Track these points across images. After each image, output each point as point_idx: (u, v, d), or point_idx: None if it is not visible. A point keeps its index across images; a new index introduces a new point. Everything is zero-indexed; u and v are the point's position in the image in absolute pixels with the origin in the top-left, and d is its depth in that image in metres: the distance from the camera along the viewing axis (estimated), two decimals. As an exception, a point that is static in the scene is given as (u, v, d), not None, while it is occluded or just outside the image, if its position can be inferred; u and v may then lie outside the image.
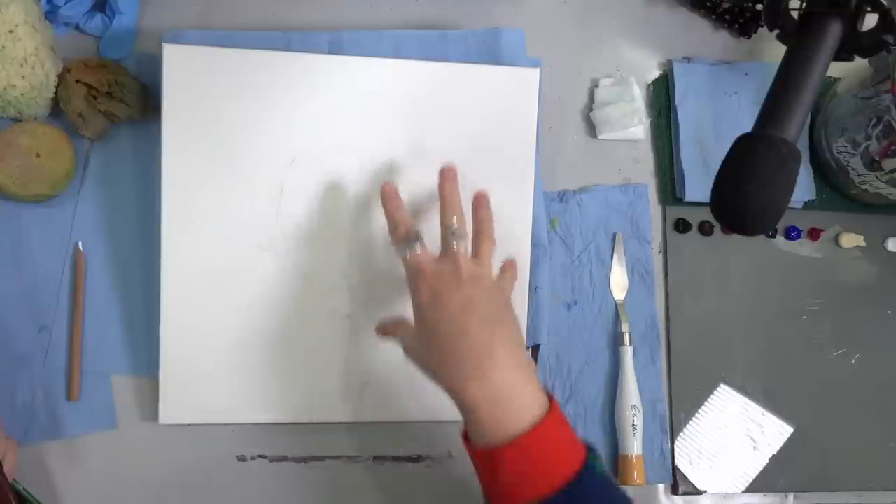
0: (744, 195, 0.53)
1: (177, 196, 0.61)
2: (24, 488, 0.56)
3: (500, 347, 0.52)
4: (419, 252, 0.55)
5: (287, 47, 0.66)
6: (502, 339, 0.52)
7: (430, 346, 0.54)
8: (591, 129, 0.74)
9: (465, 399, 0.51)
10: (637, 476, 0.67)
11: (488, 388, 0.51)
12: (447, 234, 0.56)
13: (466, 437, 0.53)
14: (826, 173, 0.77)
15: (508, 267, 0.62)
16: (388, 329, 0.61)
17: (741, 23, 0.77)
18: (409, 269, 0.55)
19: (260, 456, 0.65)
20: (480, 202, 0.60)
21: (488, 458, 0.50)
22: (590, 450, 0.52)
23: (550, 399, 0.52)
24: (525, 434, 0.49)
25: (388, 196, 0.59)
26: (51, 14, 0.65)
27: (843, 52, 0.60)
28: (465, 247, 0.56)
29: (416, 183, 0.64)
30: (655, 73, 0.77)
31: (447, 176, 0.59)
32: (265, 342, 0.63)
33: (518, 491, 0.49)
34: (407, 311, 0.65)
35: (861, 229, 0.77)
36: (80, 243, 0.64)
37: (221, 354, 0.63)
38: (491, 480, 0.51)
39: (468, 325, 0.52)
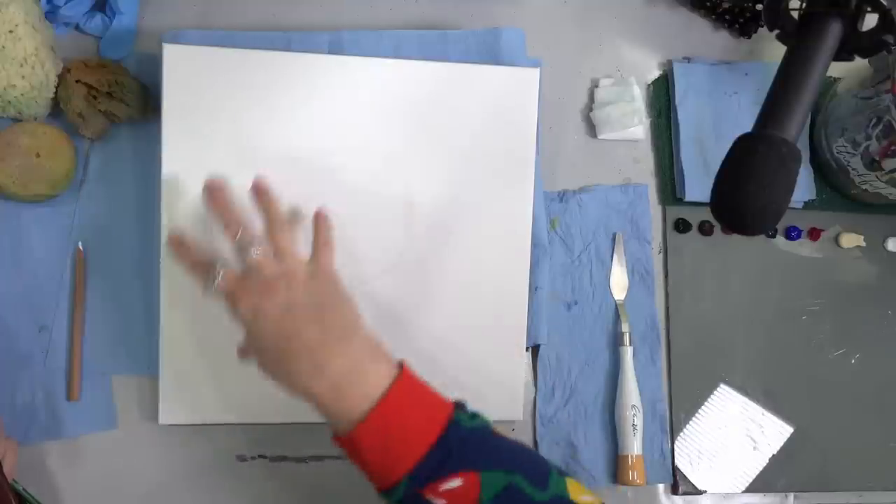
0: (744, 195, 0.53)
1: (177, 196, 0.61)
2: (23, 489, 0.56)
3: (330, 336, 0.51)
4: (220, 279, 0.53)
5: (287, 47, 0.66)
6: (332, 327, 0.51)
7: (266, 358, 0.53)
8: (591, 129, 0.74)
9: (312, 397, 0.50)
10: (637, 476, 0.67)
11: (328, 378, 0.50)
12: (237, 248, 0.54)
13: (334, 436, 0.52)
14: (826, 173, 0.77)
15: (318, 232, 0.57)
16: (240, 353, 0.57)
17: (741, 23, 0.77)
18: (224, 300, 0.53)
19: (260, 456, 0.65)
20: (255, 191, 0.56)
21: (348, 444, 0.50)
22: (458, 406, 0.51)
23: (401, 367, 0.52)
24: (372, 410, 0.49)
25: (174, 243, 0.55)
26: (51, 14, 0.65)
27: (843, 52, 0.60)
28: (259, 251, 0.53)
29: (417, 183, 0.64)
30: (655, 73, 0.77)
31: (212, 190, 0.55)
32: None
33: (387, 466, 0.48)
34: (406, 309, 0.66)
35: (861, 229, 0.77)
36: (80, 243, 0.64)
37: (221, 354, 0.63)
38: (361, 465, 0.50)
39: (293, 327, 0.51)
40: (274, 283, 0.52)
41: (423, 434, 0.49)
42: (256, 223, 0.55)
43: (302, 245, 0.56)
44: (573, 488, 0.50)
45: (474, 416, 0.52)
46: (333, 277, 0.55)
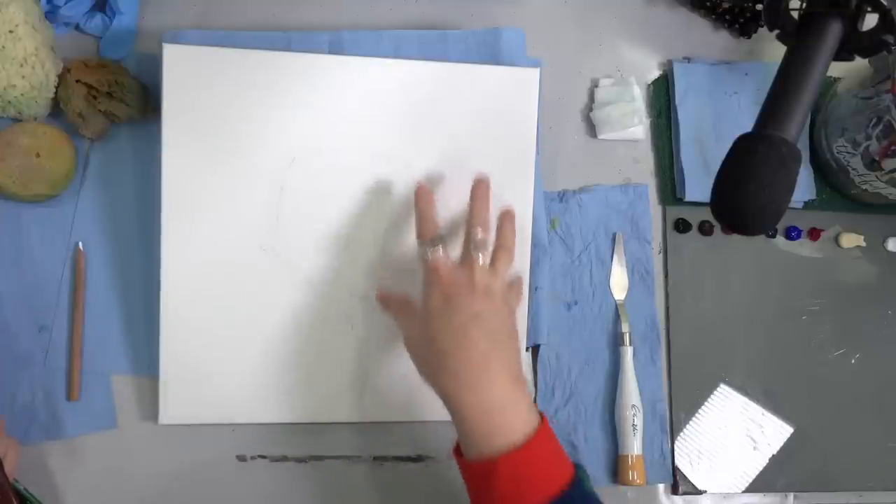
0: (744, 195, 0.53)
1: (177, 196, 0.61)
2: (24, 488, 0.56)
3: (497, 363, 0.53)
4: (440, 255, 0.56)
5: (287, 47, 0.66)
6: (501, 356, 0.53)
7: (431, 349, 0.54)
8: (591, 129, 0.74)
9: (458, 406, 0.52)
10: (637, 476, 0.67)
11: (481, 399, 0.51)
12: (470, 242, 0.57)
13: (458, 450, 0.54)
14: (826, 173, 0.77)
15: (516, 283, 0.63)
16: (391, 303, 0.61)
17: (741, 23, 0.77)
18: (426, 270, 0.56)
19: (260, 456, 0.65)
20: (507, 217, 0.61)
21: (480, 470, 0.51)
22: (578, 467, 0.53)
23: (541, 416, 0.53)
24: (517, 448, 0.50)
25: (421, 196, 0.60)
26: (51, 14, 0.65)
27: (843, 52, 0.60)
28: (484, 259, 0.57)
29: (415, 182, 0.64)
30: (655, 73, 0.77)
31: (480, 187, 0.60)
32: (265, 342, 0.63)
33: (509, 498, 0.50)
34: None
35: (861, 229, 0.77)
36: (80, 243, 0.64)
37: (221, 354, 0.63)
38: (482, 494, 0.51)
39: (472, 339, 0.53)
40: (478, 291, 0.55)
41: (552, 484, 0.50)
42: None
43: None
44: None
45: (588, 476, 0.56)
46: (514, 315, 0.58)
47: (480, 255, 0.57)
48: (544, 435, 0.52)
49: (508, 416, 0.52)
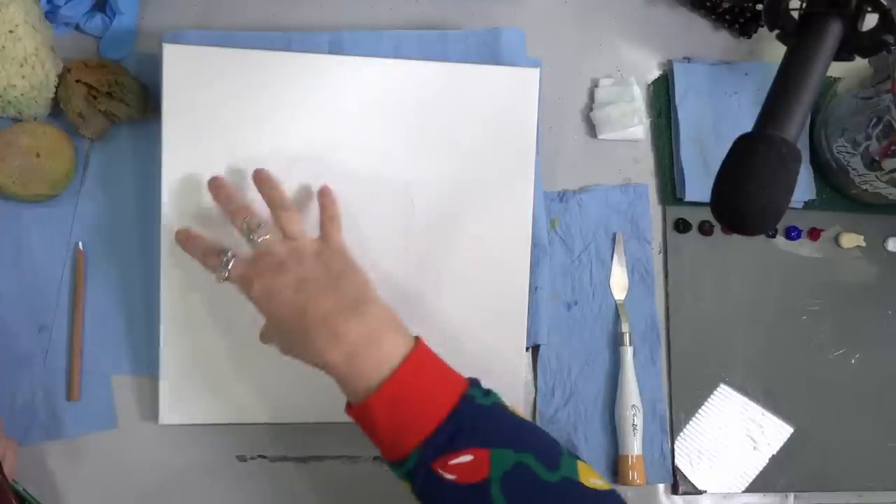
0: (744, 195, 0.53)
1: (177, 196, 0.61)
2: (23, 489, 0.56)
3: (344, 303, 0.51)
4: (235, 262, 0.54)
5: (287, 47, 0.66)
6: (345, 296, 0.52)
7: (282, 334, 0.54)
8: (591, 129, 0.74)
9: (328, 366, 0.51)
10: (637, 476, 0.67)
11: (344, 346, 0.50)
12: (246, 233, 0.55)
13: (348, 405, 0.52)
14: (826, 173, 0.77)
15: (323, 208, 0.59)
16: (263, 338, 0.59)
17: (741, 23, 0.77)
18: (234, 283, 0.54)
19: (260, 456, 0.65)
20: (257, 179, 0.58)
21: (361, 413, 0.50)
22: (472, 383, 0.52)
23: (415, 341, 0.52)
24: (386, 380, 0.49)
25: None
26: (51, 14, 0.65)
27: (843, 52, 0.60)
28: (266, 234, 0.55)
29: (417, 183, 0.65)
30: (655, 73, 0.77)
31: (216, 184, 0.58)
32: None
33: (398, 438, 0.49)
34: (406, 309, 0.65)
35: (861, 229, 0.77)
36: (80, 243, 0.64)
37: (221, 354, 0.63)
38: (372, 436, 0.51)
39: (306, 303, 0.51)
40: (284, 262, 0.53)
41: (437, 407, 0.49)
42: (262, 210, 0.57)
43: (309, 226, 0.57)
44: (584, 471, 0.50)
45: (488, 393, 0.52)
46: (343, 250, 0.57)
47: (261, 233, 0.54)
48: (416, 358, 0.50)
49: (372, 353, 0.50)
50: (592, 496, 0.49)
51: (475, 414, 0.50)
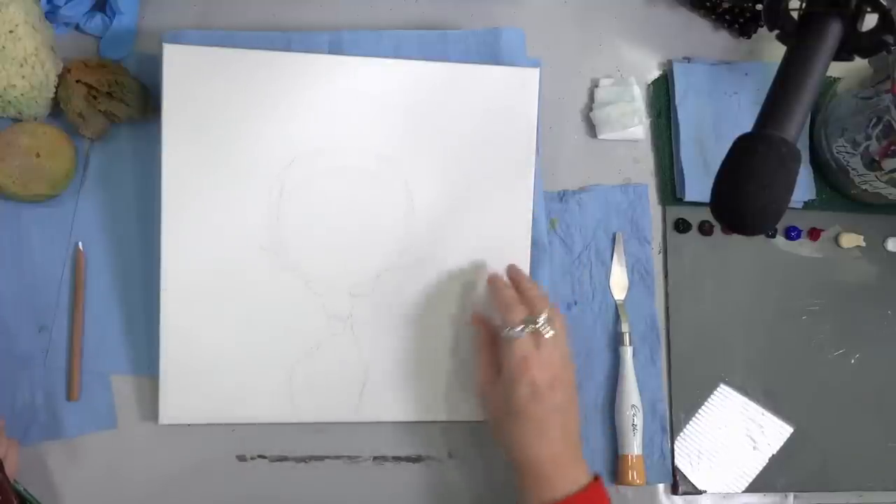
0: (744, 195, 0.53)
1: (177, 196, 0.61)
2: (24, 489, 0.56)
3: (560, 432, 0.58)
4: (526, 337, 0.59)
5: (287, 47, 0.66)
6: (567, 426, 0.59)
7: (514, 429, 0.59)
8: (591, 129, 0.74)
9: (533, 460, 0.58)
10: (637, 476, 0.67)
11: (550, 449, 0.58)
12: (529, 320, 0.59)
13: None
14: (826, 173, 0.77)
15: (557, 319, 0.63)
16: (483, 370, 0.63)
17: (741, 23, 0.77)
18: (515, 354, 0.59)
19: (260, 456, 0.65)
20: (520, 274, 0.65)
21: None
22: None
23: (596, 477, 0.59)
24: (567, 498, 0.56)
25: (498, 284, 0.63)
26: (51, 14, 0.65)
27: (843, 52, 0.60)
28: (550, 331, 0.60)
29: (417, 182, 0.65)
30: (655, 73, 0.77)
31: (514, 273, 0.65)
32: (265, 342, 0.63)
33: None
34: (406, 309, 0.65)
35: (861, 229, 0.77)
36: (80, 243, 0.64)
37: (221, 354, 0.63)
38: None
39: (550, 433, 0.58)
40: (556, 368, 0.59)
41: None
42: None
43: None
44: None
45: None
46: (574, 377, 0.62)
47: (548, 329, 0.59)
48: (598, 488, 0.58)
49: (567, 467, 0.58)
50: None
51: None
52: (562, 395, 0.58)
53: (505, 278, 0.65)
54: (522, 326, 0.59)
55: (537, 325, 0.59)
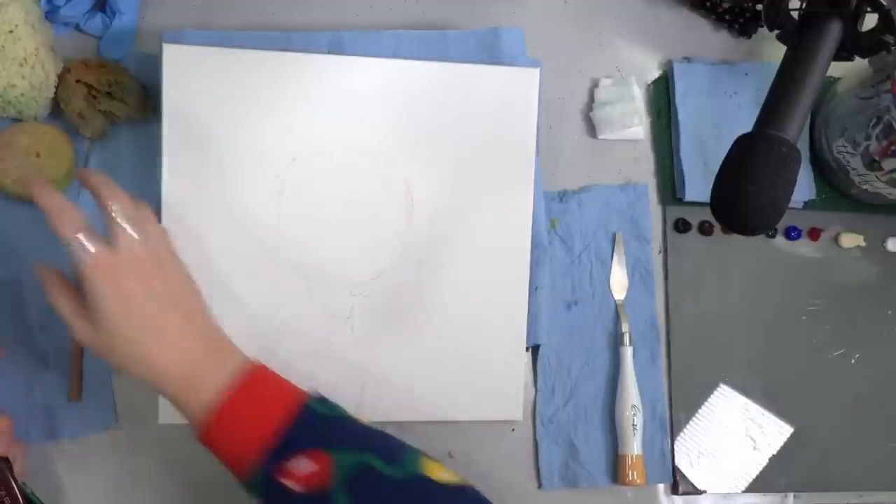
0: (744, 195, 0.53)
1: (177, 196, 0.61)
2: (31, 491, 0.56)
3: (186, 318, 0.52)
4: (95, 249, 0.49)
5: (287, 47, 0.66)
6: (177, 323, 0.51)
7: (115, 341, 0.50)
8: (591, 129, 0.74)
9: (166, 378, 0.50)
10: (637, 476, 0.67)
11: (182, 365, 0.50)
12: (114, 218, 0.51)
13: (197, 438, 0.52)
14: (826, 173, 0.77)
15: (145, 222, 0.53)
16: (54, 297, 0.52)
17: (741, 23, 0.77)
18: (86, 268, 0.49)
19: (260, 456, 0.65)
20: (97, 182, 0.52)
21: (206, 437, 0.50)
22: (313, 396, 0.52)
23: (252, 361, 0.52)
24: (223, 393, 0.49)
25: (44, 191, 0.50)
26: (51, 14, 0.65)
27: (843, 52, 0.60)
28: (132, 229, 0.51)
29: (417, 183, 0.65)
30: (655, 73, 0.77)
31: (95, 176, 0.53)
32: (265, 342, 0.63)
33: (241, 455, 0.49)
34: (406, 309, 0.65)
35: (861, 229, 0.77)
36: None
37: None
38: (221, 460, 0.50)
39: (150, 319, 0.50)
40: (145, 268, 0.51)
41: (273, 419, 0.49)
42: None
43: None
44: (430, 466, 0.50)
45: (332, 406, 0.52)
46: (178, 265, 0.54)
47: (127, 227, 0.51)
48: (252, 379, 0.51)
49: (210, 370, 0.51)
50: (442, 491, 0.49)
51: (314, 421, 0.50)
52: (163, 289, 0.51)
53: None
54: (84, 236, 0.49)
55: (116, 222, 0.50)
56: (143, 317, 0.50)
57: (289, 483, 0.47)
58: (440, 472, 0.50)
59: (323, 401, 0.52)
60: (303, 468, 0.48)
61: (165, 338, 0.51)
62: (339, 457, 0.48)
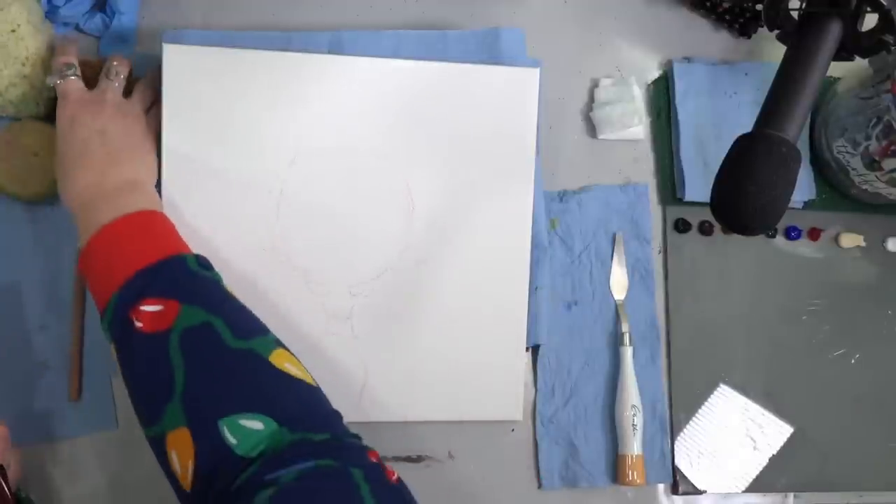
0: (744, 195, 0.53)
1: (176, 197, 0.61)
2: (26, 495, 0.56)
3: (122, 172, 0.56)
4: (72, 80, 0.58)
5: (287, 47, 0.66)
6: (122, 168, 0.56)
7: (59, 167, 0.57)
8: (591, 129, 0.74)
9: (70, 199, 0.55)
10: (637, 476, 0.67)
11: (88, 181, 0.55)
12: (105, 70, 0.60)
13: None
14: (826, 173, 0.77)
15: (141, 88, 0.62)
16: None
17: (741, 23, 0.77)
18: (59, 95, 0.58)
19: (260, 456, 0.65)
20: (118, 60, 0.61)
21: (82, 261, 0.53)
22: (198, 257, 0.53)
23: (155, 210, 0.56)
24: (112, 221, 0.52)
25: (62, 42, 0.61)
26: (51, 14, 0.65)
27: (843, 52, 0.60)
28: (119, 84, 0.60)
29: (417, 183, 0.65)
30: (655, 73, 0.77)
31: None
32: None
33: (103, 285, 0.51)
34: (406, 309, 0.66)
35: (861, 229, 0.77)
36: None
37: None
38: (88, 284, 0.53)
39: (92, 154, 0.56)
40: (106, 110, 0.57)
41: (146, 256, 0.51)
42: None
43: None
44: (279, 355, 0.50)
45: (210, 271, 0.54)
46: (148, 127, 0.60)
47: (115, 79, 0.59)
48: (144, 217, 0.54)
49: (111, 204, 0.54)
50: (276, 376, 0.49)
51: (181, 273, 0.51)
52: (113, 133, 0.57)
53: None
54: (65, 69, 0.58)
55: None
56: (83, 144, 0.56)
57: (135, 320, 0.49)
58: (286, 363, 0.50)
59: (203, 263, 0.53)
60: (151, 309, 0.49)
61: (90, 163, 0.55)
62: (189, 310, 0.49)
